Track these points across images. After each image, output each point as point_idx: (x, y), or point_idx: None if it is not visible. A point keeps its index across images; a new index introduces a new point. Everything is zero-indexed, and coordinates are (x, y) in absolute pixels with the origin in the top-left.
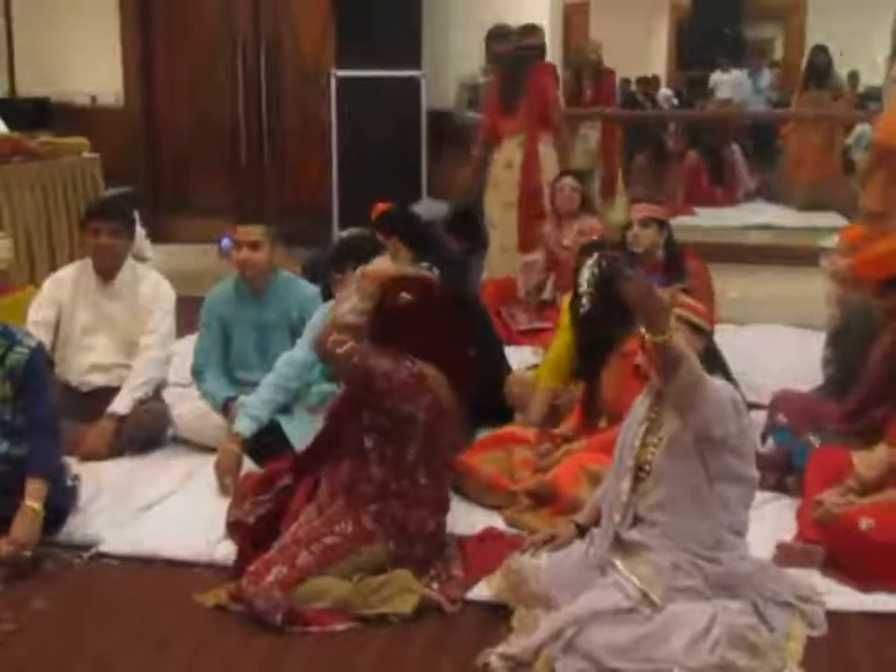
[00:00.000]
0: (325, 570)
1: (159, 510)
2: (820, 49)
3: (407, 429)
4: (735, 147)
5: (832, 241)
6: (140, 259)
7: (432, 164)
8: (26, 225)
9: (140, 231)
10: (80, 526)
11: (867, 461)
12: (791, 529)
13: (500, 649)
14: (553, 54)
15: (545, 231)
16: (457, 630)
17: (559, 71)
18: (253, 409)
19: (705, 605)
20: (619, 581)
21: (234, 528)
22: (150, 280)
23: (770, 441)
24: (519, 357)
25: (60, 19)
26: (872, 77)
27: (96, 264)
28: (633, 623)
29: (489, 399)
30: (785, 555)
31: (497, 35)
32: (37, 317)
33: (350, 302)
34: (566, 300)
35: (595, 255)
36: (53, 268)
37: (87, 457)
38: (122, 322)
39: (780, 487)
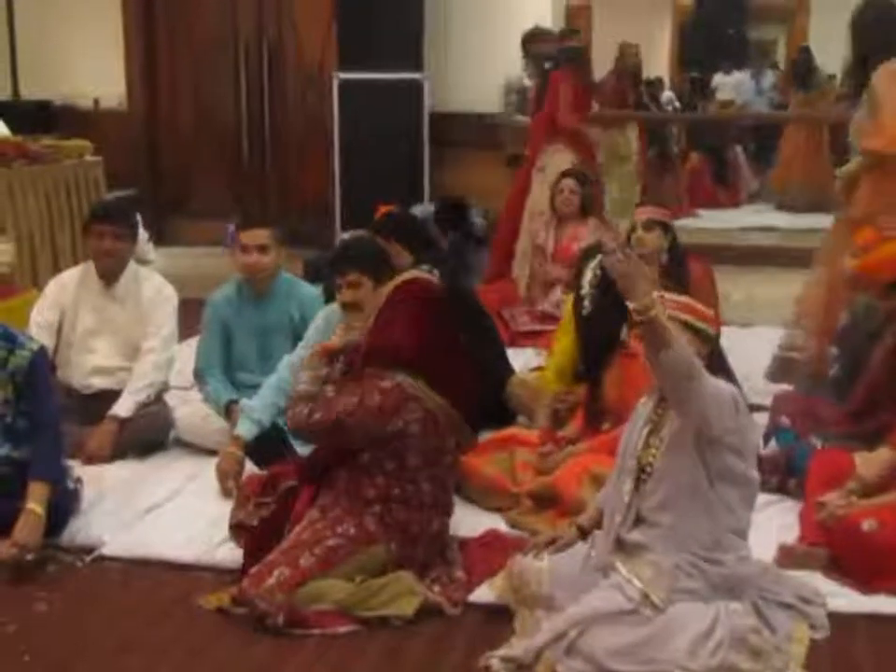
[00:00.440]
0: (327, 572)
1: (161, 512)
2: (803, 50)
3: (402, 442)
4: (739, 149)
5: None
6: (143, 261)
7: (434, 167)
8: (29, 228)
9: (143, 233)
10: (82, 529)
11: (869, 463)
12: (794, 531)
13: (502, 651)
14: None
15: (538, 236)
16: (459, 632)
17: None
18: (254, 412)
19: (707, 607)
20: (620, 582)
21: (237, 531)
22: (153, 283)
23: (772, 443)
24: (521, 359)
25: (63, 22)
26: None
27: (99, 267)
28: (634, 625)
29: (491, 402)
30: (787, 557)
31: (535, 36)
32: (40, 320)
33: (305, 374)
34: (568, 302)
35: (598, 257)
36: (56, 271)
37: (90, 460)
38: (124, 325)
39: (783, 489)
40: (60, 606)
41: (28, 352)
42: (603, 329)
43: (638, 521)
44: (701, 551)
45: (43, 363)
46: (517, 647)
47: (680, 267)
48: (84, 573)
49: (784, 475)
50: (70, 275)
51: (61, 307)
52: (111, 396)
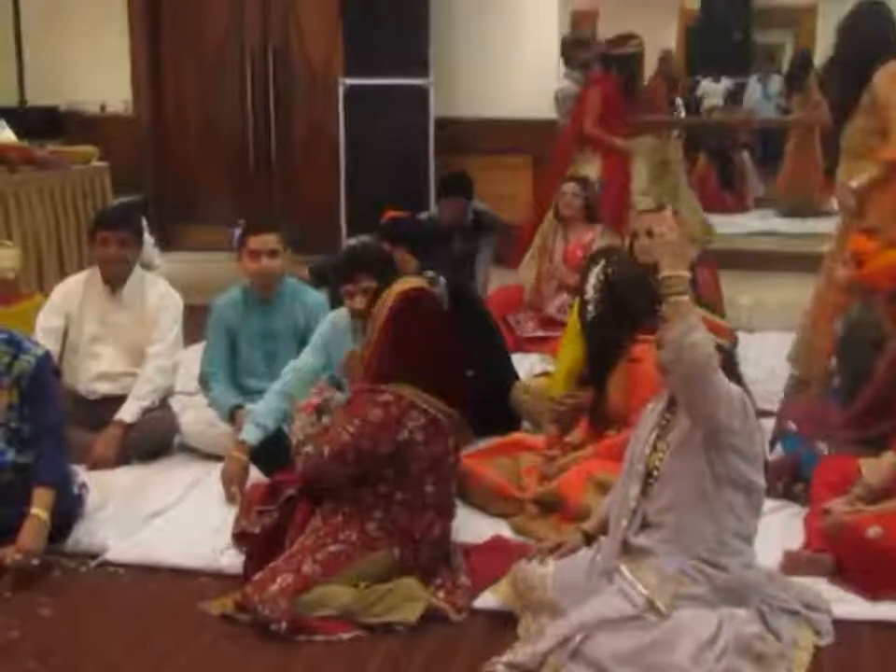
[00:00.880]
0: (330, 578)
1: (165, 518)
2: (800, 53)
3: (409, 451)
4: (745, 154)
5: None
6: (149, 267)
7: (440, 172)
8: (35, 234)
9: (149, 239)
10: (87, 534)
11: (875, 469)
12: (799, 537)
13: (506, 657)
14: (562, 62)
15: (545, 239)
16: (463, 638)
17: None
18: (259, 417)
19: (711, 613)
20: (625, 588)
21: (240, 539)
22: (158, 289)
23: (778, 448)
24: (526, 365)
25: (69, 28)
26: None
27: (104, 274)
28: (639, 631)
29: (495, 407)
30: (792, 564)
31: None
32: (45, 326)
33: (300, 422)
34: (573, 308)
35: (602, 262)
36: (62, 276)
37: (95, 466)
38: (130, 331)
39: (788, 495)
40: (64, 611)
41: (33, 357)
42: (606, 334)
43: (644, 525)
44: (706, 554)
45: (47, 368)
46: (522, 653)
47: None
48: (88, 578)
49: (790, 481)
50: (76, 281)
51: (66, 313)
52: (116, 401)
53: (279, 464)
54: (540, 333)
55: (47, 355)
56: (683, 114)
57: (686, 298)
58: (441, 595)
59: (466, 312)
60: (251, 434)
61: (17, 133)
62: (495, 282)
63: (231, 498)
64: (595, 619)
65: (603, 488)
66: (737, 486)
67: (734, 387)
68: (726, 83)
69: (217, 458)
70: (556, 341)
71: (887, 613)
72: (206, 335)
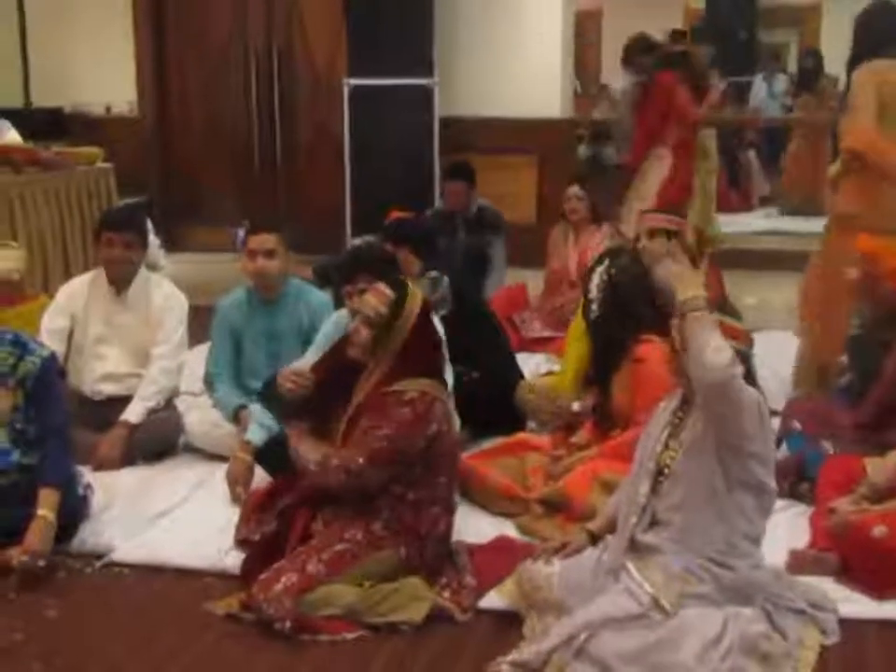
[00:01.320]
0: (335, 578)
1: (170, 518)
2: (809, 53)
3: (435, 447)
4: (752, 153)
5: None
6: (154, 268)
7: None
8: (40, 235)
9: (154, 240)
10: (92, 535)
11: (881, 468)
12: (804, 536)
13: (512, 656)
14: (566, 61)
15: (556, 242)
16: (469, 638)
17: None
18: (264, 417)
19: (717, 612)
20: (631, 587)
21: (243, 545)
22: (163, 290)
23: (783, 448)
24: (531, 364)
25: (73, 29)
26: None
27: (109, 275)
28: (644, 630)
29: (500, 407)
30: (798, 563)
31: (649, 44)
32: (51, 327)
33: (304, 448)
34: (578, 308)
35: (606, 262)
36: (67, 277)
37: (99, 466)
38: (135, 332)
39: (793, 494)
40: (70, 612)
41: (38, 358)
42: (610, 333)
43: (653, 523)
44: (714, 554)
45: (53, 369)
46: (527, 652)
47: None
48: (94, 579)
49: (795, 480)
50: (81, 282)
51: (71, 314)
52: (121, 402)
53: (284, 464)
54: (546, 333)
55: (52, 356)
56: None
57: (705, 312)
58: (446, 594)
59: (469, 312)
60: (256, 434)
61: (22, 135)
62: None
63: (236, 499)
64: (600, 617)
65: (608, 488)
66: (749, 488)
67: (751, 391)
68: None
69: (222, 459)
70: (562, 340)
71: (892, 612)
72: (211, 336)
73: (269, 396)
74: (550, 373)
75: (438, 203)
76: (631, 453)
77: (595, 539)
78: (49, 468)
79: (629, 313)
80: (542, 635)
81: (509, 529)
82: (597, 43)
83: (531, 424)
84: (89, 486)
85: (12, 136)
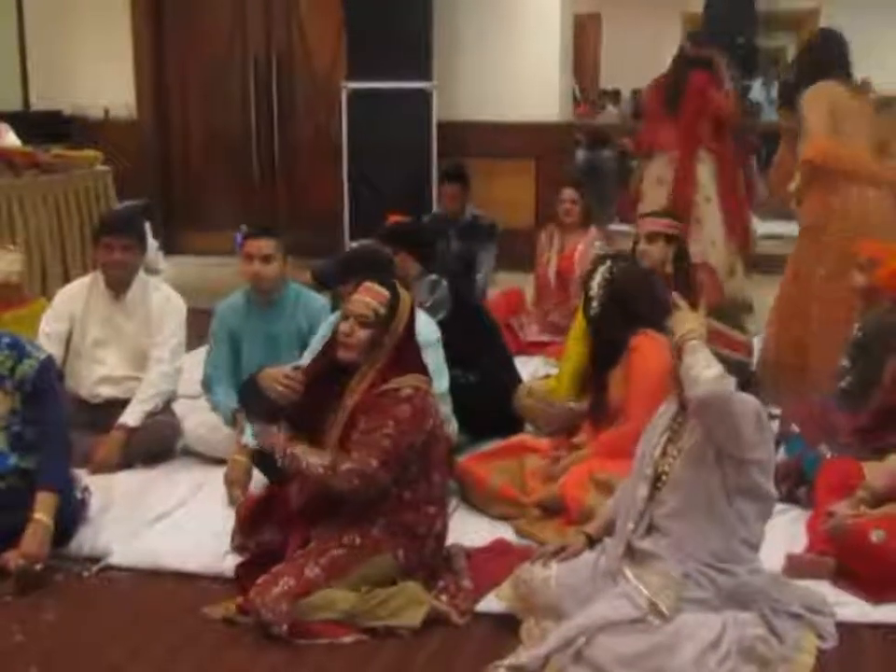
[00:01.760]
0: (333, 582)
1: (168, 522)
2: (793, 64)
3: (432, 441)
4: (752, 158)
5: None
6: (152, 271)
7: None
8: (39, 237)
9: (152, 243)
10: (90, 538)
11: (879, 472)
12: (802, 540)
13: (509, 660)
14: (565, 65)
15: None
16: (466, 642)
17: None
18: None
19: (714, 616)
20: (628, 591)
21: (240, 551)
22: (161, 293)
23: (781, 451)
24: (529, 368)
25: (72, 32)
26: (885, 85)
27: (107, 279)
28: (642, 634)
29: (498, 411)
30: (795, 567)
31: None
32: (49, 330)
33: (301, 452)
34: (578, 307)
35: (609, 262)
36: (65, 280)
37: (97, 469)
38: (133, 335)
39: (791, 498)
40: (67, 615)
41: (36, 361)
42: (608, 330)
43: (650, 529)
44: (712, 560)
45: (50, 372)
46: (524, 656)
47: (687, 277)
48: (91, 583)
49: (793, 483)
50: (79, 285)
51: (70, 317)
52: (119, 405)
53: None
54: (545, 338)
55: (49, 358)
56: None
57: (700, 342)
58: (443, 598)
59: (467, 315)
60: (254, 438)
61: (21, 138)
62: (498, 285)
63: (234, 502)
64: (598, 621)
65: (604, 488)
66: (749, 495)
67: (748, 400)
68: None
69: (221, 462)
70: (560, 345)
71: (890, 616)
72: (209, 339)
73: (248, 396)
74: (548, 377)
75: (435, 207)
76: (624, 447)
77: (592, 542)
78: (46, 471)
79: (629, 311)
80: (540, 639)
81: (506, 532)
82: (596, 47)
83: (529, 427)
84: (86, 490)
85: (11, 139)
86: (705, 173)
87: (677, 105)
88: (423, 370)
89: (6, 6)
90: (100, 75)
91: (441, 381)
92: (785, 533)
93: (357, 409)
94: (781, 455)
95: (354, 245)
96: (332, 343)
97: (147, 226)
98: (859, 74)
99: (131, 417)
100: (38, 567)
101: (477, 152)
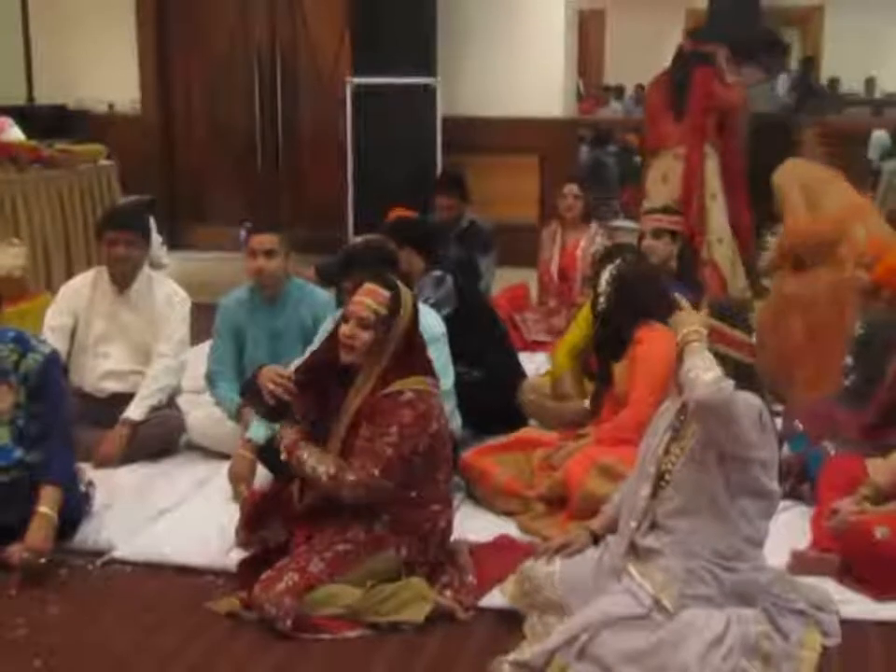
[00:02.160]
0: (337, 578)
1: (172, 516)
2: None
3: (437, 443)
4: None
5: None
6: (156, 266)
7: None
8: (43, 232)
9: (156, 238)
10: (94, 532)
11: (883, 469)
12: (806, 537)
13: (513, 656)
14: (569, 61)
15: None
16: (470, 637)
17: None
18: None
19: (718, 612)
20: (632, 587)
21: (244, 547)
22: (165, 288)
23: (785, 448)
24: (533, 364)
25: (77, 27)
26: (889, 82)
27: (112, 273)
28: (646, 630)
29: (503, 406)
30: (799, 563)
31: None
32: (53, 324)
33: (307, 455)
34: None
35: (618, 259)
36: (70, 275)
37: (101, 464)
38: (137, 330)
39: (795, 495)
40: (71, 609)
41: (40, 355)
42: (615, 325)
43: (653, 526)
44: (716, 558)
45: (55, 366)
46: (528, 651)
47: (691, 273)
48: (95, 577)
49: (797, 480)
50: (83, 280)
51: (74, 312)
52: (123, 400)
53: (286, 462)
54: (548, 338)
55: (54, 353)
56: None
57: (700, 343)
58: (447, 593)
59: (472, 311)
60: (258, 432)
61: (25, 132)
62: (502, 281)
63: (238, 497)
64: (601, 618)
65: (607, 473)
66: (752, 493)
67: (750, 399)
68: None
69: (225, 457)
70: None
71: (893, 613)
72: (213, 334)
73: (250, 395)
74: (549, 373)
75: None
76: (626, 434)
77: (596, 538)
78: (51, 465)
79: (634, 306)
80: (543, 634)
81: (510, 528)
82: (600, 42)
83: (532, 423)
84: (91, 484)
85: (15, 134)
86: (710, 169)
87: (684, 104)
88: (428, 370)
89: (10, 1)
90: (104, 70)
91: (446, 377)
92: (789, 530)
93: (360, 412)
94: (785, 452)
95: (358, 239)
96: (334, 345)
97: (151, 221)
98: (858, 72)
99: (135, 412)
100: (43, 560)
101: (481, 148)
